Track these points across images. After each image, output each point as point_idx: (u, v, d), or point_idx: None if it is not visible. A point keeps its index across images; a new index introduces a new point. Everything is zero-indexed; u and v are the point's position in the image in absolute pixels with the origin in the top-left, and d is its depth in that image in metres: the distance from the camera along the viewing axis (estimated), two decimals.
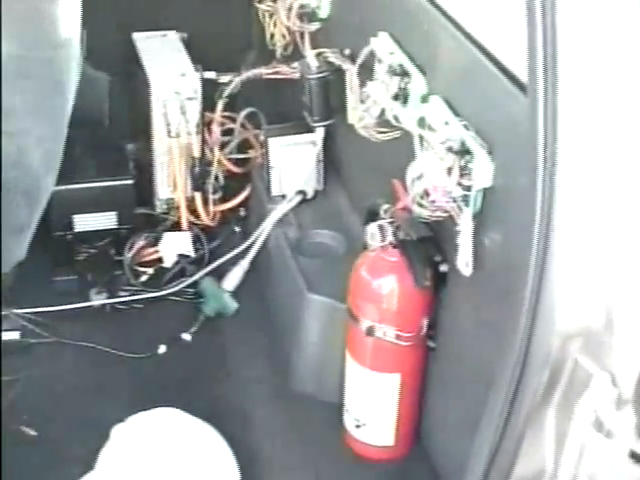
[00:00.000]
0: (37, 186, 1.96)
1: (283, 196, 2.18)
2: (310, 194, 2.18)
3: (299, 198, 2.16)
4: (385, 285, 1.65)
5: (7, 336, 2.08)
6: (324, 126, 2.06)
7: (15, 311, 2.12)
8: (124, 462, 1.69)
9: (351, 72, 1.75)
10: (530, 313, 1.13)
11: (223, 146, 2.49)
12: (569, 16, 1.00)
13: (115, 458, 1.71)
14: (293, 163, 2.15)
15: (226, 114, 2.47)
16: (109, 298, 2.27)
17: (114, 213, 2.31)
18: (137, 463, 1.68)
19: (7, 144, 1.83)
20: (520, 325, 1.11)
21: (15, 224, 1.94)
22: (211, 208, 2.39)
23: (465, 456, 1.34)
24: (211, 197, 2.38)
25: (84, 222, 2.30)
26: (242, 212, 2.45)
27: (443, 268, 1.63)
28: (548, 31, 1.00)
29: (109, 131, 2.55)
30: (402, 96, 1.59)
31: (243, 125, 2.54)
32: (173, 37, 2.44)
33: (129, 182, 2.30)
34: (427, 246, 1.61)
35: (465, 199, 1.40)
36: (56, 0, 1.79)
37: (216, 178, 2.42)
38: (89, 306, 2.25)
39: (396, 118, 1.59)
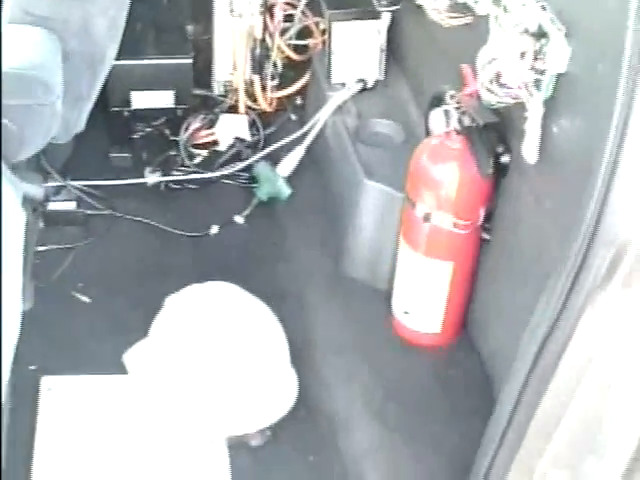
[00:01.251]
0: (100, 55, 1.95)
1: (343, 84, 2.15)
2: (370, 83, 2.15)
3: (359, 86, 2.14)
4: (445, 172, 1.64)
5: (64, 206, 2.12)
6: (391, 11, 2.02)
7: (72, 183, 2.15)
8: (177, 330, 1.73)
9: None
10: (602, 196, 1.12)
11: (283, 32, 2.45)
12: None
13: (169, 326, 1.74)
14: (356, 50, 2.12)
15: (288, 0, 2.43)
16: (163, 177, 2.29)
17: (172, 92, 2.31)
18: (189, 332, 1.72)
19: (73, 11, 1.82)
20: (590, 206, 1.10)
21: (76, 94, 1.94)
22: (269, 94, 2.38)
23: (512, 346, 1.35)
24: (269, 83, 2.37)
25: (142, 99, 2.30)
26: (299, 100, 2.44)
27: (505, 159, 1.61)
28: None
29: (170, 10, 2.53)
30: None
31: (304, 12, 2.49)
32: None
33: (188, 61, 2.29)
34: (491, 135, 1.59)
35: (537, 83, 1.37)
36: None
37: (274, 65, 2.39)
38: (143, 183, 2.28)
39: None
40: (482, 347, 1.81)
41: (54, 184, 2.11)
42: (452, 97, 1.61)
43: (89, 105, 2.01)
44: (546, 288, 1.23)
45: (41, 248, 2.00)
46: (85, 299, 1.97)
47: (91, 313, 1.94)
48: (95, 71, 1.96)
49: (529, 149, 1.43)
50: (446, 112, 1.60)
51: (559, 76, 1.36)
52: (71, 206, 2.13)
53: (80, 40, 1.87)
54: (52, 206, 2.09)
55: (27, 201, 1.86)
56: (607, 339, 1.18)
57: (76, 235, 2.11)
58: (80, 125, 2.03)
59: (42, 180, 1.98)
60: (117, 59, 2.01)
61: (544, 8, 1.35)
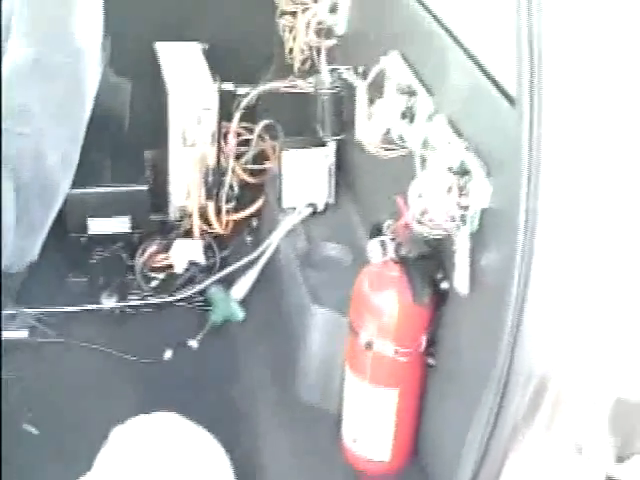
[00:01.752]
0: (53, 188, 2.00)
1: (294, 208, 2.20)
2: (321, 207, 2.20)
3: (310, 210, 2.19)
4: (385, 300, 1.66)
5: (15, 334, 2.12)
6: (335, 140, 2.08)
7: (25, 310, 2.16)
8: (121, 464, 1.71)
9: (361, 88, 1.77)
10: (514, 329, 1.14)
11: (240, 156, 2.52)
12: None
13: (112, 459, 1.73)
14: (305, 175, 2.18)
15: (244, 125, 2.50)
16: (119, 301, 2.31)
17: (128, 218, 2.35)
18: (133, 466, 1.70)
19: (24, 144, 1.88)
20: (503, 342, 1.13)
21: (29, 224, 1.98)
22: (224, 217, 2.43)
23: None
24: (224, 206, 2.41)
25: (99, 225, 2.34)
26: (254, 223, 2.48)
27: (444, 285, 1.64)
28: (534, 55, 1.02)
29: (128, 136, 2.60)
30: (409, 115, 1.61)
31: (260, 136, 2.57)
32: (194, 48, 2.48)
33: (144, 188, 2.34)
34: (428, 263, 1.62)
35: (463, 219, 1.41)
36: (76, 7, 1.83)
37: (231, 187, 2.45)
38: (99, 309, 2.29)
39: (401, 137, 1.61)
40: (433, 472, 1.80)
41: (7, 312, 2.13)
42: (388, 227, 1.65)
43: (43, 234, 2.04)
44: (474, 417, 1.25)
45: None
46: (33, 430, 1.95)
47: (38, 444, 1.92)
48: (48, 202, 2.01)
49: (460, 281, 1.46)
50: (382, 242, 1.63)
51: (483, 211, 1.41)
52: (23, 334, 2.14)
53: (33, 173, 1.92)
54: (3, 335, 2.09)
55: None
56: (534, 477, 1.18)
57: (27, 364, 2.10)
58: (34, 254, 2.06)
59: None
60: (74, 187, 2.06)
61: (468, 148, 1.41)
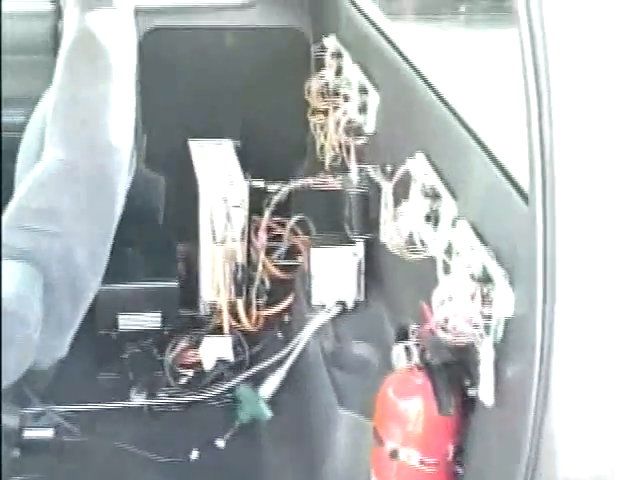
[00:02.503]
0: (82, 285, 2.00)
1: (323, 306, 2.18)
2: (350, 305, 2.18)
3: (339, 309, 2.16)
4: (410, 407, 1.61)
5: (41, 433, 2.10)
6: (363, 239, 2.07)
7: (52, 408, 2.15)
8: None
9: (387, 190, 1.77)
10: (532, 457, 1.10)
11: (271, 251, 2.52)
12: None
13: None
14: (334, 273, 2.16)
15: (277, 219, 2.51)
16: (148, 398, 2.29)
17: (159, 313, 2.35)
18: None
19: (54, 244, 1.89)
20: (521, 469, 1.08)
21: (58, 322, 1.98)
22: (254, 312, 2.41)
23: None
24: (254, 302, 2.40)
25: (129, 321, 2.35)
26: (286, 318, 2.46)
27: (471, 392, 1.59)
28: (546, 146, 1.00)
29: (162, 231, 2.63)
30: (433, 218, 1.59)
31: (293, 231, 2.57)
32: (227, 145, 2.51)
33: (174, 284, 2.34)
34: (454, 371, 1.58)
35: (486, 328, 1.37)
36: (111, 108, 1.86)
37: (262, 282, 2.44)
38: (128, 406, 2.28)
39: (422, 242, 1.59)
40: None
41: (34, 410, 2.12)
42: (413, 332, 1.62)
43: (72, 332, 2.04)
44: None
45: (16, 479, 1.98)
46: None
47: None
48: (77, 300, 2.01)
49: (485, 391, 1.42)
50: (407, 348, 1.60)
51: (507, 320, 1.37)
52: (49, 433, 2.12)
53: (61, 272, 1.92)
54: (28, 434, 2.07)
55: (1, 431, 1.85)
56: None
57: (52, 464, 2.08)
58: (62, 351, 2.05)
59: (18, 409, 1.98)
60: (104, 283, 2.06)
61: (490, 255, 1.38)
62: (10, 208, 1.83)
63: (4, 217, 1.83)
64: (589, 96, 0.99)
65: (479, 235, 1.44)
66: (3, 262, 1.82)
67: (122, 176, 1.99)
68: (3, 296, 1.75)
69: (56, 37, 2.54)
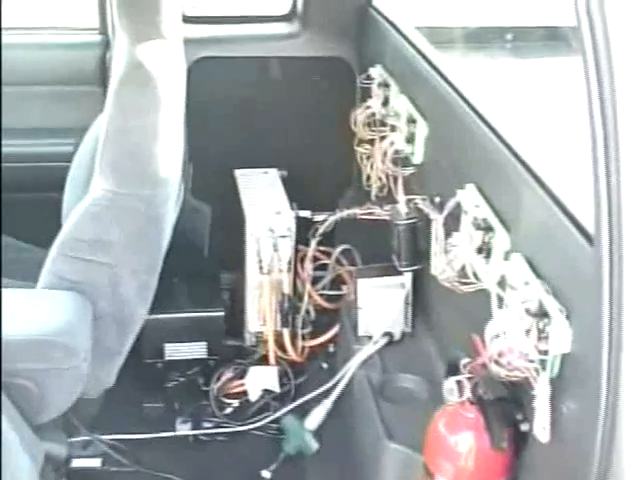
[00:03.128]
0: (130, 315, 2.01)
1: (370, 337, 2.16)
2: (397, 336, 2.16)
3: (385, 340, 2.14)
4: (462, 442, 1.59)
5: (88, 463, 2.11)
6: (411, 271, 2.05)
7: (99, 437, 2.15)
8: None
9: (437, 222, 1.75)
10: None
11: (316, 280, 2.51)
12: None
13: None
14: (381, 304, 2.15)
15: (322, 249, 2.50)
16: (193, 428, 2.29)
17: (204, 343, 2.36)
18: None
19: (103, 274, 1.90)
20: None
21: (106, 351, 1.99)
22: (300, 343, 2.40)
23: None
24: (300, 332, 2.39)
25: (175, 351, 2.35)
26: (331, 348, 2.45)
27: (524, 427, 1.56)
28: (613, 189, 0.98)
29: (208, 260, 2.63)
30: (485, 250, 1.58)
31: (338, 261, 2.56)
32: (273, 174, 2.51)
33: (220, 314, 2.35)
34: (506, 406, 1.55)
35: (542, 363, 1.35)
36: (159, 140, 1.87)
37: (307, 312, 2.43)
38: (173, 435, 2.27)
39: (475, 275, 1.57)
40: None
41: (81, 439, 2.12)
42: (465, 366, 1.59)
43: (120, 361, 2.04)
44: None
45: None
46: None
47: None
48: (125, 330, 2.02)
49: (540, 427, 1.39)
50: (458, 382, 1.57)
51: (564, 355, 1.35)
52: (96, 463, 2.12)
53: (109, 302, 1.93)
54: (76, 463, 2.08)
55: (50, 460, 1.86)
56: None
57: None
58: (110, 380, 2.06)
59: (66, 438, 1.99)
60: (151, 313, 2.07)
61: (547, 291, 1.36)
62: (60, 238, 1.84)
63: (54, 247, 1.85)
64: None
65: (534, 269, 1.42)
66: (55, 292, 1.84)
67: (170, 207, 2.00)
68: (55, 327, 1.76)
69: (104, 68, 2.57)
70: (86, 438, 2.13)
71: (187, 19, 2.46)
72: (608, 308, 0.98)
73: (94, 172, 1.85)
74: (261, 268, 2.29)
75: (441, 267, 1.68)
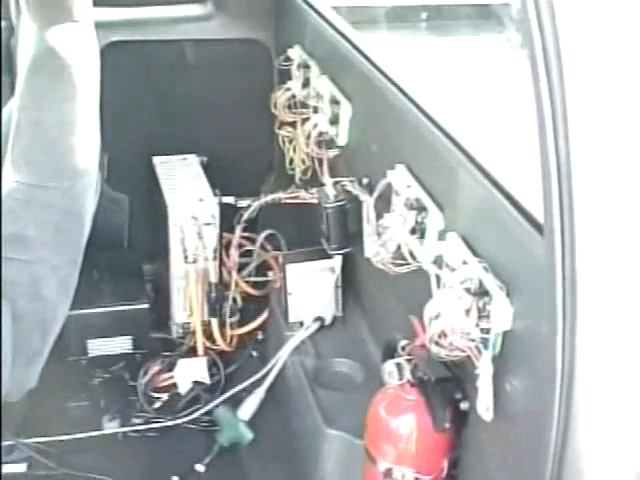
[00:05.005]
0: (51, 314, 1.93)
1: (301, 322, 2.13)
2: (328, 320, 2.14)
3: (317, 325, 2.12)
4: (403, 425, 1.58)
5: (14, 468, 2.03)
6: (341, 254, 2.03)
7: (24, 441, 2.07)
8: None
9: (368, 203, 1.73)
10: (554, 473, 1.07)
11: (242, 268, 2.47)
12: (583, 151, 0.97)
13: None
14: (311, 289, 2.12)
15: (246, 235, 2.46)
16: (122, 425, 2.22)
17: (129, 337, 2.29)
18: None
19: (22, 273, 1.81)
20: (547, 467, 1.05)
21: (26, 352, 1.90)
22: (228, 332, 2.36)
23: None
24: (228, 321, 2.35)
25: (98, 347, 2.28)
26: (260, 336, 2.41)
27: (464, 406, 1.56)
28: (563, 169, 0.97)
29: (129, 252, 2.56)
30: (419, 231, 1.56)
31: (263, 246, 2.52)
32: (193, 161, 2.45)
33: (144, 307, 2.28)
34: (447, 385, 1.54)
35: (484, 342, 1.34)
36: (76, 130, 1.80)
37: (234, 300, 2.39)
38: (101, 434, 2.20)
39: (412, 254, 1.56)
40: None
41: (5, 443, 2.03)
42: (403, 348, 1.58)
43: (41, 361, 1.96)
44: None
45: None
46: None
47: None
48: (47, 329, 1.93)
49: (484, 406, 1.39)
50: (398, 365, 1.56)
51: (505, 333, 1.34)
52: (22, 468, 2.04)
53: (30, 301, 1.84)
54: (1, 469, 1.99)
55: None
56: None
57: None
58: (33, 381, 1.97)
59: None
60: (72, 309, 1.99)
61: (486, 269, 1.35)
62: None
63: None
64: (604, 114, 0.96)
65: (471, 248, 1.41)
66: None
67: (89, 199, 1.92)
68: None
69: (8, 54, 2.46)
70: (10, 443, 2.04)
71: (96, 1, 2.36)
72: (561, 287, 0.97)
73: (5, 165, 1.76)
74: (186, 257, 2.23)
75: (375, 249, 1.66)
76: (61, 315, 1.94)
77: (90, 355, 2.27)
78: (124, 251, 2.52)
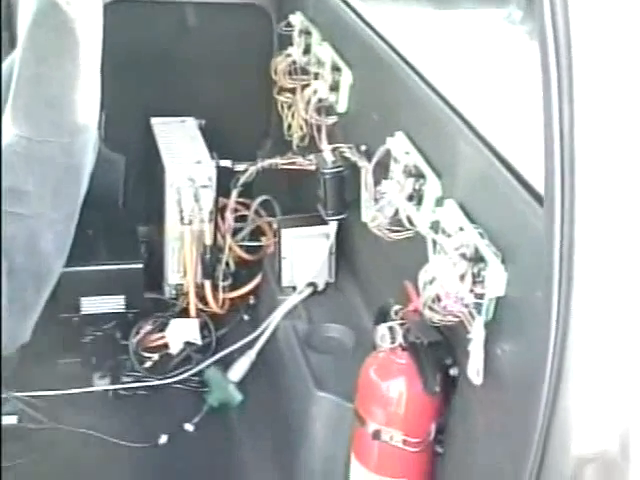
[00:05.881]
0: (46, 269, 1.94)
1: (294, 287, 2.15)
2: (321, 286, 2.15)
3: (310, 290, 2.14)
4: (393, 388, 1.60)
5: (5, 420, 2.04)
6: (337, 220, 2.04)
7: (15, 394, 2.09)
8: None
9: (366, 170, 1.74)
10: (543, 435, 1.09)
11: (235, 232, 2.48)
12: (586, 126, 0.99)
13: None
14: (305, 254, 2.13)
15: (241, 200, 2.47)
16: (112, 383, 2.24)
17: (122, 297, 2.30)
18: None
19: (19, 226, 1.82)
20: (532, 447, 1.07)
21: (21, 306, 1.92)
22: (220, 295, 2.37)
23: None
24: (221, 284, 2.36)
25: (91, 305, 2.29)
26: (252, 300, 2.43)
27: (453, 372, 1.58)
28: (565, 145, 0.99)
29: (123, 213, 2.56)
30: (416, 197, 1.58)
31: (257, 212, 2.53)
32: (191, 123, 2.45)
33: (138, 266, 2.29)
34: (438, 350, 1.57)
35: (477, 307, 1.37)
36: (77, 86, 1.80)
37: (227, 264, 2.40)
38: (92, 391, 2.22)
39: (409, 220, 1.58)
40: None
41: None
42: (397, 312, 1.60)
43: (35, 316, 1.97)
44: None
45: None
46: None
47: None
48: (41, 284, 1.94)
49: (474, 370, 1.41)
50: (391, 328, 1.58)
51: (499, 299, 1.36)
52: (12, 420, 2.06)
53: (26, 256, 1.86)
54: None
55: None
56: None
57: (17, 452, 2.02)
58: (26, 336, 1.99)
59: None
60: (66, 265, 2.00)
61: (482, 235, 1.37)
62: None
63: None
64: (608, 96, 0.98)
65: (468, 215, 1.43)
66: None
67: (88, 156, 1.93)
68: None
69: (8, 7, 2.44)
70: (2, 396, 2.06)
71: None
72: (558, 257, 0.99)
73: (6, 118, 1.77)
74: (182, 219, 2.24)
75: (372, 214, 1.67)
76: (56, 270, 1.95)
77: (83, 313, 2.28)
78: (119, 211, 2.53)
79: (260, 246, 2.50)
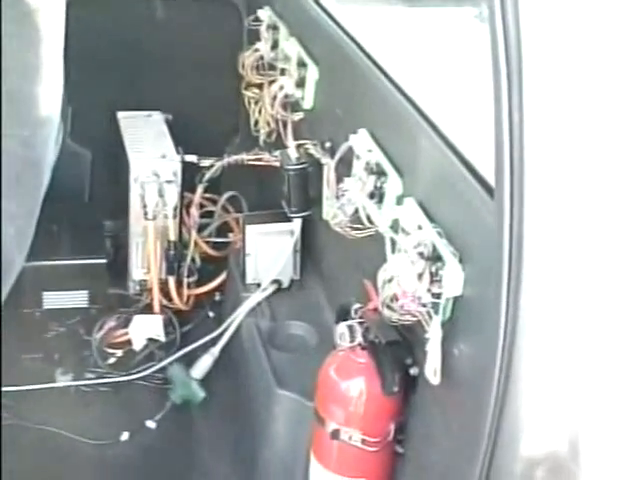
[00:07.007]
0: (7, 264, 1.91)
1: (258, 284, 2.14)
2: (286, 283, 2.14)
3: (274, 287, 2.12)
4: (352, 387, 1.59)
5: None
6: (301, 217, 2.03)
7: None
8: None
9: (329, 166, 1.73)
10: (492, 435, 1.09)
11: (202, 228, 2.46)
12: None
13: None
14: (269, 251, 2.12)
15: (208, 196, 2.45)
16: (75, 379, 2.22)
17: (86, 292, 2.28)
18: None
19: None
20: (481, 447, 1.07)
21: None
22: (185, 291, 2.35)
23: None
24: (185, 280, 2.34)
25: (54, 299, 2.27)
26: (217, 297, 2.41)
27: (413, 371, 1.58)
28: (515, 141, 0.98)
29: (89, 207, 2.54)
30: (377, 195, 1.57)
31: (225, 208, 2.52)
32: (157, 118, 2.44)
33: (103, 262, 2.27)
34: (397, 349, 1.56)
35: (435, 306, 1.36)
36: (38, 79, 1.78)
37: (193, 260, 2.38)
38: (53, 387, 2.20)
39: (369, 218, 1.57)
40: None
41: None
42: (356, 311, 1.59)
43: None
44: None
45: None
46: None
47: None
48: (2, 279, 1.92)
49: (431, 369, 1.40)
50: (350, 327, 1.57)
51: (456, 299, 1.36)
52: None
53: None
54: None
55: None
56: None
57: None
58: None
59: None
60: (29, 260, 1.98)
61: (440, 234, 1.36)
62: None
63: None
64: (558, 90, 0.98)
65: (427, 214, 1.42)
66: None
67: (49, 149, 1.90)
68: None
69: None
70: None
71: None
72: (507, 253, 0.98)
73: None
74: (146, 214, 2.22)
75: (333, 212, 1.66)
76: (17, 265, 1.93)
77: (45, 307, 2.27)
78: (85, 205, 2.51)
79: (228, 242, 2.48)
